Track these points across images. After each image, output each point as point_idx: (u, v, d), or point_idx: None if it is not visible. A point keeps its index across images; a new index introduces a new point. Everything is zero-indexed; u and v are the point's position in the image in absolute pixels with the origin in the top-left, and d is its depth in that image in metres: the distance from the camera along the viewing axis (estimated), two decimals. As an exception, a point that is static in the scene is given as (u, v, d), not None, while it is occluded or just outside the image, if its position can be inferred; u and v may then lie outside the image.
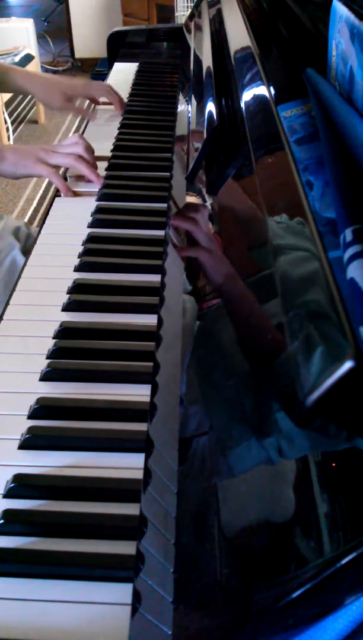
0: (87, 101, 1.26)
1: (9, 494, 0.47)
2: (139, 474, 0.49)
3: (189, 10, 1.58)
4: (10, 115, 3.44)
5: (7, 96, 3.11)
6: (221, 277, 0.68)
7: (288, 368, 0.37)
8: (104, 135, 1.08)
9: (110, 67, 1.51)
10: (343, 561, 0.32)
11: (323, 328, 0.35)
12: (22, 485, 0.48)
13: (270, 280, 0.45)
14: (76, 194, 0.90)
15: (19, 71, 1.14)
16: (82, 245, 0.77)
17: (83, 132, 1.12)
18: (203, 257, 0.74)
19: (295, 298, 0.40)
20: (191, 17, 1.47)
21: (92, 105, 1.24)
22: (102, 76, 1.57)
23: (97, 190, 0.89)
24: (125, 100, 1.25)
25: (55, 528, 0.46)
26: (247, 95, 0.72)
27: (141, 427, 0.53)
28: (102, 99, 1.21)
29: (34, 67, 3.40)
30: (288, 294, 0.41)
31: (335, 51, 0.60)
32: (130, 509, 0.46)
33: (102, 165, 0.95)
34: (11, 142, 3.02)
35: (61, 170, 0.93)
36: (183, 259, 0.79)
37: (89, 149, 0.92)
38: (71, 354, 0.61)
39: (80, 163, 0.89)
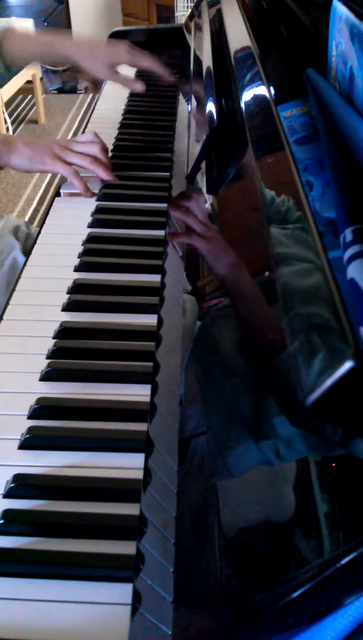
0: (133, 73, 1.19)
1: (9, 494, 0.47)
2: (139, 474, 0.49)
3: (189, 10, 1.58)
4: (10, 115, 3.44)
5: (7, 96, 3.10)
6: (223, 266, 0.67)
7: (288, 367, 0.37)
8: (104, 136, 1.08)
9: (110, 67, 1.51)
10: (343, 561, 0.32)
11: (325, 339, 0.35)
12: (22, 485, 0.48)
13: (270, 286, 0.45)
14: (86, 191, 0.89)
15: (62, 41, 1.08)
16: (82, 245, 0.77)
17: (83, 131, 1.11)
18: (202, 245, 0.74)
19: (297, 312, 0.40)
20: (191, 17, 1.47)
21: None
22: (102, 76, 1.56)
23: (97, 190, 0.89)
24: (125, 100, 1.25)
25: (55, 528, 0.46)
26: (247, 95, 0.72)
27: (141, 427, 0.53)
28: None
29: (34, 67, 3.40)
30: (290, 307, 0.41)
31: (335, 51, 0.60)
32: (130, 509, 0.46)
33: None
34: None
35: (58, 176, 0.92)
36: (183, 258, 0.79)
37: (105, 148, 0.91)
38: (71, 354, 0.61)
39: (96, 166, 0.88)
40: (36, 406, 0.54)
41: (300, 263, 0.43)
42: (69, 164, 0.87)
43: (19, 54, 1.09)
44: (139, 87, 1.09)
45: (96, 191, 0.89)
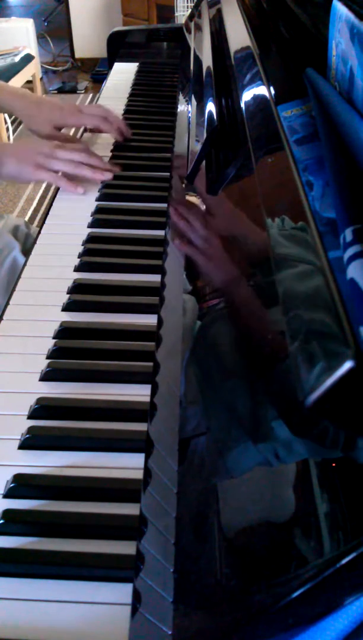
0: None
1: (9, 494, 0.47)
2: (139, 474, 0.49)
3: (189, 10, 1.58)
4: (10, 115, 3.44)
5: (7, 96, 3.10)
6: (221, 282, 0.67)
7: (288, 368, 0.37)
8: (104, 136, 1.08)
9: (110, 67, 1.51)
10: (343, 561, 0.32)
11: (325, 339, 0.35)
12: (22, 485, 0.48)
13: (271, 288, 0.45)
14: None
15: (5, 90, 1.03)
16: (82, 245, 0.77)
17: (81, 135, 1.11)
18: (202, 261, 0.74)
19: (297, 312, 0.39)
20: (191, 17, 1.47)
21: (80, 132, 1.13)
22: (102, 76, 1.57)
23: (97, 190, 0.89)
24: (125, 100, 1.25)
25: (55, 528, 0.46)
26: (247, 95, 0.72)
27: (141, 427, 0.53)
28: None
29: (34, 67, 3.40)
30: (290, 310, 0.41)
31: (335, 51, 0.60)
32: (130, 509, 0.46)
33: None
34: (11, 142, 3.02)
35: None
36: (183, 258, 0.79)
37: (93, 154, 0.92)
38: (71, 354, 0.61)
39: (81, 169, 0.89)
40: (36, 406, 0.54)
41: (299, 264, 0.42)
42: (55, 171, 0.88)
43: None
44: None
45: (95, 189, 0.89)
